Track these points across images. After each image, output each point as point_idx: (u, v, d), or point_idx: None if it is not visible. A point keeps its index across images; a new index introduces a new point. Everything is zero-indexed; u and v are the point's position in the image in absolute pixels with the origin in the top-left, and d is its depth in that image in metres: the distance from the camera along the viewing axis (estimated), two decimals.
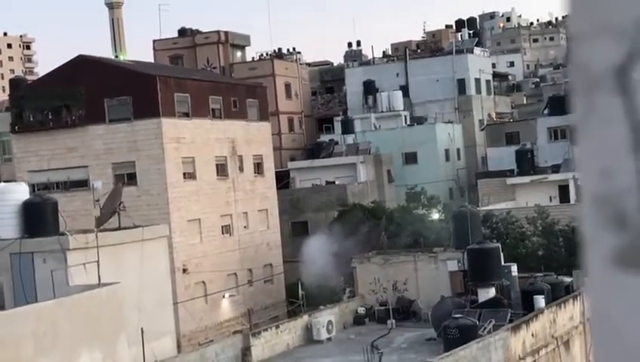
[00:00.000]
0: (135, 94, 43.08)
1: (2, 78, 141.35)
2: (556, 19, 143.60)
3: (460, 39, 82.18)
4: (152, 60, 68.68)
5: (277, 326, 36.08)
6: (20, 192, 31.14)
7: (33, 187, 40.92)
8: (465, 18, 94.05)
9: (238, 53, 73.17)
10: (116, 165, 43.47)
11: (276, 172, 53.92)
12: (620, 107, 0.92)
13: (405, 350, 34.50)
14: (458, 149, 70.37)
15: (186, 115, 45.05)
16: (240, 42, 73.40)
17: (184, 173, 44.19)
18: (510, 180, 58.37)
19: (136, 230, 31.84)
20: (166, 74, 47.71)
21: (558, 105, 61.37)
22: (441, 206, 54.48)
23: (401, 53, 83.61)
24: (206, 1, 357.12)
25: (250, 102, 51.04)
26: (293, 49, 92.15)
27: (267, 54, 78.59)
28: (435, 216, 52.13)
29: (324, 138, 68.39)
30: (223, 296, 45.39)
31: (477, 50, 77.99)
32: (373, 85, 73.96)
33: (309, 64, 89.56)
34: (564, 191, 54.34)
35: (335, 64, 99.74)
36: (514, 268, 37.04)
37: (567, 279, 36.97)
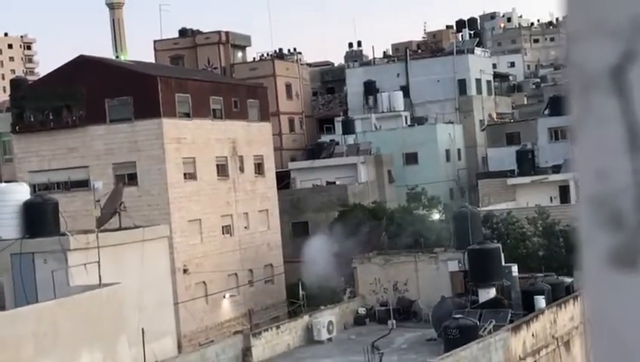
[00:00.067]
0: (136, 94, 43.09)
1: (3, 78, 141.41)
2: (557, 19, 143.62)
3: (460, 39, 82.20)
4: (153, 61, 68.70)
5: (277, 327, 36.09)
6: (21, 193, 31.15)
7: (34, 187, 40.92)
8: (465, 18, 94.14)
9: (239, 54, 73.18)
10: (117, 165, 43.47)
11: (277, 172, 53.92)
12: (616, 107, 0.92)
13: (406, 350, 34.50)
14: (459, 150, 70.37)
15: (187, 115, 45.06)
16: (241, 42, 73.42)
17: (185, 174, 44.20)
18: (511, 181, 58.36)
19: (137, 230, 31.86)
20: (167, 74, 47.72)
21: (559, 105, 61.37)
22: (442, 206, 54.48)
23: (402, 53, 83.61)
24: (207, 1, 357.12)
25: (251, 103, 51.04)
26: (294, 49, 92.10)
27: (268, 55, 78.60)
28: (436, 216, 52.12)
29: (325, 138, 68.40)
30: (224, 297, 45.39)
31: (478, 50, 77.99)
32: (374, 85, 73.96)
33: (309, 64, 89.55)
34: (564, 192, 54.33)
35: (336, 64, 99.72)
36: (514, 268, 37.04)
37: (568, 279, 36.97)
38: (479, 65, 75.56)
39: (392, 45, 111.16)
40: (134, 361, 28.24)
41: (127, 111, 43.39)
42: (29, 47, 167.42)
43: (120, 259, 29.62)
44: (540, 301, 34.35)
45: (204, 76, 54.72)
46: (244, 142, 49.12)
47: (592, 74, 0.93)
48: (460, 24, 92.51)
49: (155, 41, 73.01)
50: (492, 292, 35.41)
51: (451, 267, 38.97)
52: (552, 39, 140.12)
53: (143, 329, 28.93)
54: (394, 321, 37.87)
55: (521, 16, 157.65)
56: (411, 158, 65.97)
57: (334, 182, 58.16)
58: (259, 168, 50.72)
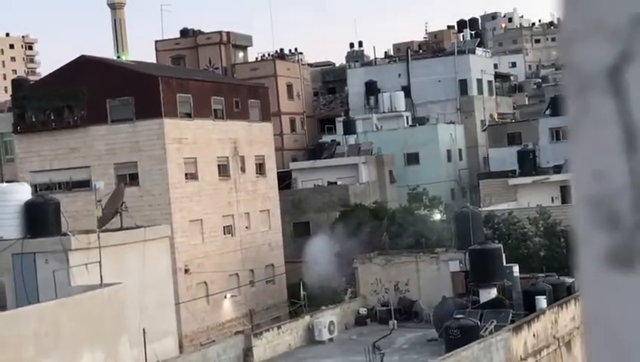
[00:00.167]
0: (137, 95, 43.09)
1: (4, 78, 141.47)
2: (558, 19, 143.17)
3: (461, 40, 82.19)
4: (154, 61, 68.70)
5: (279, 327, 36.10)
6: (22, 193, 31.17)
7: (35, 187, 40.93)
8: (467, 18, 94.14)
9: (240, 54, 73.20)
10: (118, 165, 43.48)
11: (278, 172, 53.91)
12: (612, 108, 0.92)
13: (407, 350, 34.50)
14: (460, 150, 70.36)
15: (188, 115, 45.06)
16: (242, 43, 73.43)
17: (186, 174, 44.20)
18: (512, 181, 58.36)
19: (138, 230, 31.87)
20: (168, 74, 47.73)
21: (560, 105, 61.32)
22: (443, 206, 54.48)
23: (403, 53, 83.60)
24: (208, 1, 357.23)
25: (252, 103, 51.04)
26: (295, 49, 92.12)
27: (269, 55, 78.64)
28: (437, 216, 52.13)
29: (326, 138, 68.42)
30: (225, 297, 45.39)
31: (479, 50, 77.98)
32: (375, 86, 73.96)
33: (310, 65, 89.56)
34: (565, 192, 54.31)
35: (337, 65, 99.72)
36: (515, 268, 37.04)
37: (569, 279, 36.96)
38: (480, 65, 75.54)
39: (394, 45, 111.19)
40: (135, 361, 28.25)
41: (128, 111, 43.40)
42: (30, 48, 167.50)
43: (121, 259, 29.64)
44: (541, 301, 34.35)
45: (205, 76, 54.73)
46: (245, 142, 49.12)
47: (588, 74, 0.94)
48: (461, 24, 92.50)
49: (156, 41, 73.04)
50: (493, 293, 35.41)
51: (452, 267, 38.97)
52: (553, 39, 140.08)
53: (144, 329, 28.94)
54: (395, 321, 37.88)
55: (522, 17, 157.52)
56: (412, 158, 65.97)
57: (335, 183, 58.15)
58: (260, 168, 50.72)
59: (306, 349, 35.75)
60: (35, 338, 22.40)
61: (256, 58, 76.58)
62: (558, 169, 57.01)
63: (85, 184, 42.26)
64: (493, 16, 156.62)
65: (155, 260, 31.83)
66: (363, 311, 40.15)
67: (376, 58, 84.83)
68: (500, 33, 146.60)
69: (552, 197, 54.42)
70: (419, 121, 70.16)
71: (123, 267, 29.28)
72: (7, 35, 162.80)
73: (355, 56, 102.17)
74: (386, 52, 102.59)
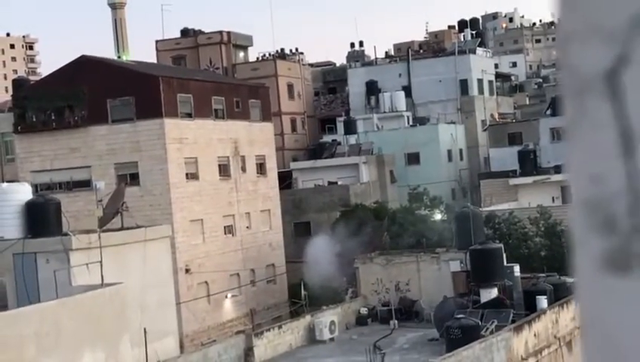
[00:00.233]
0: (138, 95, 43.10)
1: (5, 78, 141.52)
2: (556, 22, 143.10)
3: (462, 39, 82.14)
4: (155, 61, 68.71)
5: (279, 327, 36.11)
6: (23, 192, 31.18)
7: (36, 187, 40.94)
8: (467, 18, 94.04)
9: (241, 54, 73.19)
10: (119, 165, 43.49)
11: (279, 172, 53.91)
12: (609, 111, 0.92)
13: (408, 350, 34.51)
14: (460, 150, 70.35)
15: (189, 115, 45.07)
16: (242, 43, 73.43)
17: (187, 174, 44.20)
18: (513, 181, 58.35)
19: (139, 230, 31.88)
20: (168, 74, 47.73)
21: (561, 105, 61.21)
22: (444, 206, 54.48)
23: (404, 53, 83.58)
24: (208, 1, 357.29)
25: (253, 103, 51.04)
26: (296, 49, 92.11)
27: (270, 55, 78.61)
28: (438, 216, 52.14)
29: (327, 138, 68.41)
30: (226, 297, 45.40)
31: (479, 50, 77.96)
32: (376, 86, 73.95)
33: (311, 64, 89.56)
34: (566, 192, 54.16)
35: (338, 64, 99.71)
36: (516, 268, 37.04)
37: (570, 279, 36.94)
38: (481, 65, 75.53)
39: (394, 45, 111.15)
40: (136, 361, 28.26)
41: (129, 111, 43.41)
42: (31, 48, 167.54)
43: (122, 259, 29.65)
44: (542, 301, 34.35)
45: (205, 76, 54.73)
46: (246, 142, 49.12)
47: (586, 77, 0.93)
48: (462, 24, 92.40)
49: (156, 41, 73.04)
50: (494, 293, 35.42)
51: (453, 267, 38.98)
52: (554, 39, 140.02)
53: (145, 329, 28.96)
54: (396, 321, 37.88)
55: (523, 17, 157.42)
56: (413, 158, 65.96)
57: (336, 183, 58.14)
58: (261, 168, 50.72)
59: (307, 349, 35.76)
60: (36, 338, 22.41)
61: (259, 58, 76.57)
62: (558, 169, 57.01)
63: (86, 184, 42.26)
64: (494, 16, 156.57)
65: (155, 260, 31.84)
66: (364, 310, 40.16)
67: (376, 58, 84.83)
68: (500, 33, 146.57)
69: (553, 197, 54.42)
70: (419, 121, 70.15)
71: (124, 267, 29.29)
72: (8, 34, 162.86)
73: (356, 56, 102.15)
74: (386, 52, 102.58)
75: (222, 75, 66.06)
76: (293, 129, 70.75)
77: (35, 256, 28.69)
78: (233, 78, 64.27)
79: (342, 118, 69.65)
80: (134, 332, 27.51)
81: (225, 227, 46.72)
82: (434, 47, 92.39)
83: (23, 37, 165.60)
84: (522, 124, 68.51)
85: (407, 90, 73.34)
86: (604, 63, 0.93)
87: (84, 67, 44.58)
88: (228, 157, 47.50)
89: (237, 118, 48.69)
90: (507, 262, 37.03)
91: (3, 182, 39.12)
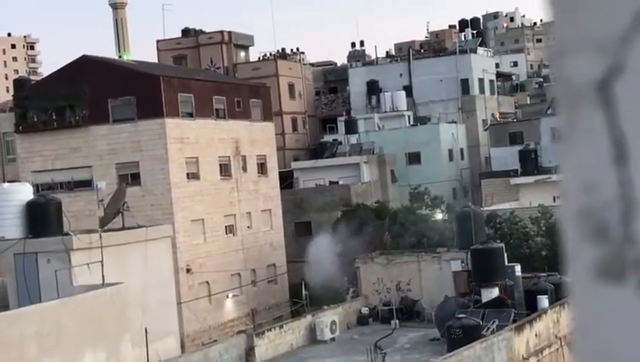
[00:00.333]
0: (139, 94, 43.12)
1: (6, 78, 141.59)
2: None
3: (463, 39, 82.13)
4: (156, 60, 68.73)
5: (281, 327, 36.13)
6: (24, 192, 31.21)
7: (37, 187, 40.97)
8: (468, 18, 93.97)
9: (242, 54, 73.21)
10: (120, 165, 43.51)
11: (280, 172, 53.93)
12: (602, 120, 0.93)
13: (409, 350, 34.52)
14: (462, 149, 70.35)
15: (190, 115, 45.09)
16: (243, 42, 73.44)
17: (188, 174, 44.22)
18: (514, 180, 58.35)
19: (140, 230, 31.89)
20: (170, 74, 47.75)
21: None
22: (445, 206, 54.47)
23: (405, 53, 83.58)
24: (209, 1, 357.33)
25: (254, 103, 51.06)
26: (297, 49, 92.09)
27: (271, 54, 78.62)
28: (439, 216, 52.13)
29: (328, 138, 68.39)
30: (227, 296, 45.42)
31: (480, 50, 77.95)
32: (377, 85, 73.96)
33: (312, 64, 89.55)
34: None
35: (339, 64, 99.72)
36: (517, 268, 37.05)
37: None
38: (482, 64, 75.52)
39: (395, 45, 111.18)
40: (137, 361, 28.27)
41: (130, 111, 43.43)
42: (32, 47, 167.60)
43: (123, 259, 29.67)
44: (543, 300, 34.35)
45: (206, 76, 54.75)
46: (247, 141, 49.14)
47: (578, 87, 0.94)
48: (463, 24, 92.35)
49: (157, 41, 73.07)
50: (495, 292, 35.42)
51: (454, 267, 38.98)
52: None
53: (146, 328, 28.98)
54: (397, 321, 37.89)
55: (523, 16, 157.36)
56: (414, 158, 65.96)
57: (337, 182, 58.15)
58: (262, 168, 50.73)
59: (308, 349, 35.78)
60: (38, 338, 22.43)
61: (260, 57, 76.57)
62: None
63: (87, 184, 42.28)
64: (495, 16, 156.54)
65: (156, 260, 31.86)
66: (365, 310, 40.17)
67: (377, 57, 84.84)
68: (501, 32, 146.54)
69: (554, 197, 54.35)
70: (420, 121, 70.15)
71: (125, 267, 29.31)
72: (9, 34, 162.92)
73: (357, 56, 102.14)
74: (387, 51, 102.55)
75: (223, 75, 66.07)
76: (294, 128, 70.76)
77: (36, 256, 28.72)
78: (234, 78, 64.28)
79: (343, 118, 69.65)
80: (135, 332, 27.53)
81: (226, 227, 46.74)
82: (435, 46, 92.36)
83: (24, 37, 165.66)
84: (523, 123, 68.50)
85: (408, 90, 73.34)
86: (596, 74, 0.94)
87: (85, 67, 44.60)
88: (229, 156, 47.52)
89: (238, 117, 48.70)
90: (508, 262, 37.03)
91: (4, 182, 39.15)
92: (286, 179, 57.35)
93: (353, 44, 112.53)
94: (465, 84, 73.03)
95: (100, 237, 27.67)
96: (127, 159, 43.32)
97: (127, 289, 26.58)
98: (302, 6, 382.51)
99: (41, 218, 29.99)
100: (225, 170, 47.21)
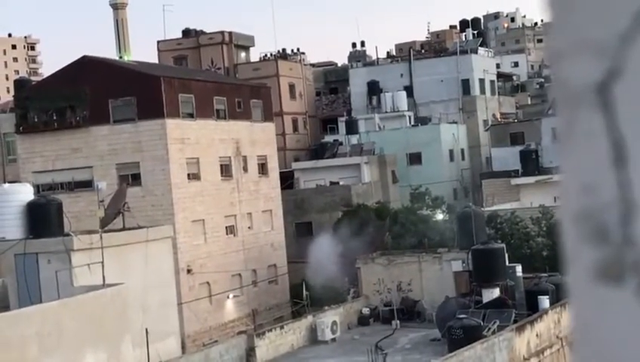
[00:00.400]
0: (139, 95, 43.13)
1: (7, 78, 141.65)
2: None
3: (464, 39, 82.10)
4: (157, 61, 68.75)
5: (281, 327, 36.12)
6: (25, 193, 31.22)
7: (38, 188, 40.99)
8: (469, 18, 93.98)
9: (242, 54, 73.22)
10: (120, 166, 43.52)
11: (280, 172, 53.94)
12: (601, 123, 0.93)
13: (409, 350, 34.51)
14: (462, 150, 70.34)
15: (191, 115, 45.09)
16: (244, 43, 73.45)
17: (188, 174, 44.23)
18: (515, 181, 58.34)
19: (141, 231, 31.90)
20: (170, 75, 47.76)
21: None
22: (446, 206, 54.47)
23: (406, 53, 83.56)
24: (210, 1, 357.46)
25: (255, 103, 51.06)
26: (298, 49, 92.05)
27: (271, 55, 78.61)
28: (440, 216, 52.13)
29: (329, 138, 68.38)
30: (228, 297, 45.43)
31: (481, 50, 77.93)
32: (378, 86, 73.95)
33: (313, 65, 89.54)
34: None
35: (339, 64, 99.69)
36: (518, 268, 37.03)
37: None
38: (483, 65, 75.51)
39: (396, 45, 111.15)
40: (138, 361, 28.27)
41: (130, 111, 43.44)
42: (32, 48, 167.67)
43: (124, 260, 29.67)
44: (544, 301, 34.32)
45: (207, 76, 54.75)
46: (247, 142, 49.15)
47: (577, 90, 0.94)
48: (464, 24, 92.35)
49: (158, 42, 73.09)
50: (496, 293, 35.41)
51: (455, 267, 38.96)
52: None
53: (146, 329, 28.98)
54: (398, 321, 37.88)
55: (524, 16, 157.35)
56: (415, 158, 65.95)
57: (338, 183, 58.15)
58: (262, 168, 50.74)
59: (309, 349, 35.77)
60: (38, 339, 22.43)
61: (260, 58, 76.56)
62: None
63: (88, 184, 42.30)
64: (496, 16, 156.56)
65: (157, 260, 31.86)
66: (366, 311, 40.17)
67: (378, 58, 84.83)
68: (502, 33, 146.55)
69: (555, 197, 54.33)
70: (421, 121, 70.14)
71: (125, 267, 29.31)
72: (10, 35, 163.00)
73: (358, 56, 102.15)
74: (388, 52, 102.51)
75: (223, 76, 66.08)
76: (295, 129, 70.76)
77: (36, 257, 28.72)
78: (235, 79, 64.29)
79: (343, 118, 69.65)
80: (136, 333, 27.53)
81: (226, 227, 46.75)
82: (436, 47, 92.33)
83: (25, 37, 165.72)
84: (524, 123, 68.47)
85: (409, 90, 73.33)
86: (595, 76, 0.94)
87: (85, 67, 44.62)
88: (229, 157, 47.53)
89: (238, 118, 48.71)
90: (509, 262, 37.01)
91: (5, 182, 39.16)
92: (287, 180, 57.35)
93: (354, 45, 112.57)
94: (466, 85, 73.01)
95: (101, 237, 27.68)
96: (127, 160, 43.33)
97: (128, 290, 26.59)
98: (302, 6, 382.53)
99: (42, 218, 29.99)
100: (225, 170, 47.22)
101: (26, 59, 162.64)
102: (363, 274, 41.68)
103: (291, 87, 71.03)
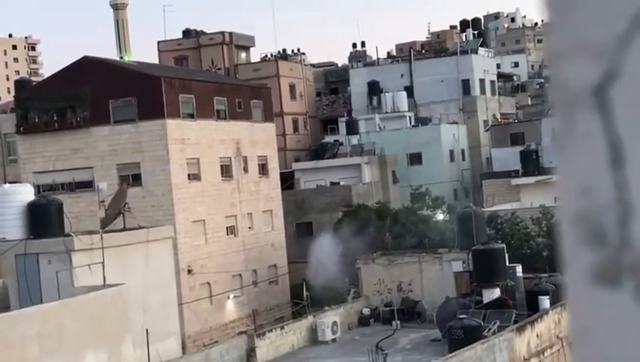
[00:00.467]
0: (140, 95, 43.14)
1: (7, 79, 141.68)
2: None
3: (464, 40, 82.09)
4: (157, 61, 68.76)
5: (282, 327, 36.13)
6: (25, 193, 31.22)
7: (38, 188, 40.99)
8: (469, 18, 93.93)
9: (243, 54, 73.23)
10: (121, 166, 43.53)
11: (281, 173, 53.93)
12: (598, 125, 0.93)
13: (410, 351, 34.51)
14: (463, 150, 70.34)
15: (191, 116, 45.10)
16: (244, 43, 73.46)
17: (189, 174, 44.23)
18: (515, 181, 58.33)
19: (141, 231, 31.90)
20: (171, 75, 47.76)
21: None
22: (446, 207, 54.46)
23: (406, 53, 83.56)
24: (210, 2, 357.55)
25: (255, 103, 51.06)
26: (298, 50, 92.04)
27: (272, 55, 78.62)
28: (440, 216, 52.12)
29: (329, 139, 68.38)
30: (228, 297, 45.43)
31: (481, 50, 77.92)
32: (378, 86, 73.95)
33: (313, 65, 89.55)
34: None
35: (339, 65, 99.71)
36: (519, 268, 37.02)
37: None
38: (483, 65, 75.50)
39: (396, 46, 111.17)
40: None
41: (131, 112, 43.45)
42: (33, 48, 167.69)
43: (124, 260, 29.67)
44: (545, 301, 34.31)
45: (207, 77, 54.76)
46: (248, 142, 49.15)
47: (575, 92, 0.94)
48: (464, 24, 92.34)
49: (158, 42, 73.10)
50: (496, 293, 35.40)
51: (455, 267, 38.95)
52: None
53: (147, 329, 28.98)
54: (398, 322, 37.87)
55: (524, 17, 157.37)
56: (415, 159, 65.95)
57: (338, 183, 58.15)
58: (263, 169, 50.74)
59: (309, 349, 35.77)
60: (39, 339, 22.43)
61: (261, 58, 76.57)
62: None
63: (88, 185, 42.32)
64: (496, 16, 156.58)
65: (158, 261, 31.86)
66: (366, 311, 40.16)
67: (378, 58, 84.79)
68: (502, 33, 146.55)
69: (555, 197, 54.19)
70: (421, 121, 70.13)
71: (126, 268, 29.31)
72: (10, 35, 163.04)
73: (358, 57, 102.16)
74: (388, 52, 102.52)
75: (224, 76, 66.09)
76: (295, 129, 70.76)
77: (37, 257, 28.72)
78: (235, 79, 64.30)
79: (344, 119, 69.65)
80: (136, 333, 27.53)
81: (227, 228, 46.75)
82: (436, 47, 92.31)
83: (25, 38, 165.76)
84: (524, 124, 68.46)
85: (409, 91, 73.32)
86: (593, 78, 0.94)
87: (86, 68, 44.63)
88: (230, 157, 47.53)
89: (239, 118, 48.72)
90: (509, 263, 37.00)
91: (5, 183, 39.17)
92: (287, 180, 57.35)
93: (354, 45, 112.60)
94: (466, 85, 73.00)
95: (101, 238, 27.68)
96: (128, 160, 43.34)
97: (129, 290, 26.59)
98: (302, 6, 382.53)
99: (43, 219, 30.00)
100: (226, 170, 47.23)
101: (26, 59, 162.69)
102: (363, 274, 41.67)
103: (292, 87, 71.03)
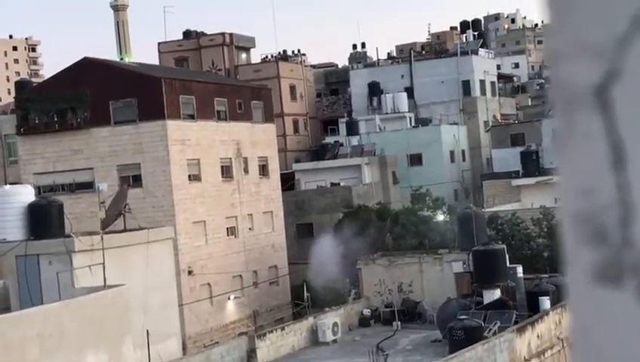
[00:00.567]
0: (140, 96, 43.15)
1: (8, 80, 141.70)
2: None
3: (464, 40, 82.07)
4: (157, 62, 68.77)
5: (282, 328, 36.13)
6: (26, 194, 31.23)
7: (39, 189, 40.98)
8: (470, 19, 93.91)
9: (243, 55, 73.24)
10: (121, 167, 43.54)
11: (281, 174, 53.93)
12: (600, 125, 0.93)
13: (410, 351, 34.50)
14: (463, 151, 70.32)
15: (191, 116, 45.11)
16: (245, 44, 73.48)
17: (189, 175, 44.24)
18: (515, 181, 58.32)
19: (142, 232, 31.90)
20: (171, 76, 47.77)
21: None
22: (446, 207, 54.44)
23: (406, 54, 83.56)
24: (211, 3, 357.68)
25: (255, 104, 51.07)
26: (298, 51, 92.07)
27: (272, 56, 78.63)
28: (440, 217, 52.10)
29: (329, 140, 68.38)
30: (229, 298, 45.43)
31: (482, 51, 77.91)
32: (378, 87, 73.94)
33: (313, 66, 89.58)
34: None
35: (340, 66, 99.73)
36: (519, 269, 37.01)
37: None
38: (483, 66, 75.49)
39: (396, 46, 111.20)
40: None
41: (131, 113, 43.46)
42: (33, 49, 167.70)
43: (125, 261, 29.67)
44: (545, 302, 34.31)
45: (208, 78, 54.77)
46: (248, 143, 49.16)
47: (576, 92, 0.95)
48: (464, 25, 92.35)
49: (159, 43, 73.12)
50: (497, 294, 35.40)
51: (456, 268, 38.95)
52: None
53: (147, 330, 28.98)
54: (399, 322, 37.87)
55: (525, 17, 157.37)
56: (416, 159, 65.94)
57: (339, 184, 58.15)
58: (263, 169, 50.74)
59: (310, 350, 35.77)
60: (39, 340, 22.43)
61: (261, 59, 76.58)
62: None
63: (88, 186, 42.35)
64: (496, 17, 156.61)
65: (158, 262, 31.86)
66: (367, 312, 40.16)
67: (379, 59, 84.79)
68: (502, 34, 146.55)
69: (556, 198, 54.22)
70: (422, 122, 70.12)
71: (126, 269, 29.31)
72: (11, 37, 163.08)
73: (358, 58, 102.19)
74: (388, 53, 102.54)
75: (224, 77, 66.10)
76: (296, 130, 70.76)
77: (37, 258, 28.72)
78: (235, 80, 64.30)
79: (344, 120, 69.65)
80: (137, 334, 27.53)
81: (227, 228, 46.75)
82: (436, 48, 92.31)
83: (26, 39, 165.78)
84: (525, 124, 68.45)
85: (410, 91, 73.30)
86: (594, 79, 0.95)
87: (86, 69, 44.64)
88: (230, 158, 47.54)
89: (239, 119, 48.73)
90: (510, 263, 37.00)
91: (6, 184, 39.17)
92: (287, 181, 57.35)
93: (354, 46, 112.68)
94: (466, 86, 72.99)
95: (102, 239, 27.68)
96: (128, 161, 43.35)
97: (129, 291, 26.59)
98: (303, 7, 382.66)
99: (43, 220, 30.00)
100: (226, 171, 47.23)
101: (27, 60, 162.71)
102: (364, 275, 41.67)
103: (292, 88, 71.04)
